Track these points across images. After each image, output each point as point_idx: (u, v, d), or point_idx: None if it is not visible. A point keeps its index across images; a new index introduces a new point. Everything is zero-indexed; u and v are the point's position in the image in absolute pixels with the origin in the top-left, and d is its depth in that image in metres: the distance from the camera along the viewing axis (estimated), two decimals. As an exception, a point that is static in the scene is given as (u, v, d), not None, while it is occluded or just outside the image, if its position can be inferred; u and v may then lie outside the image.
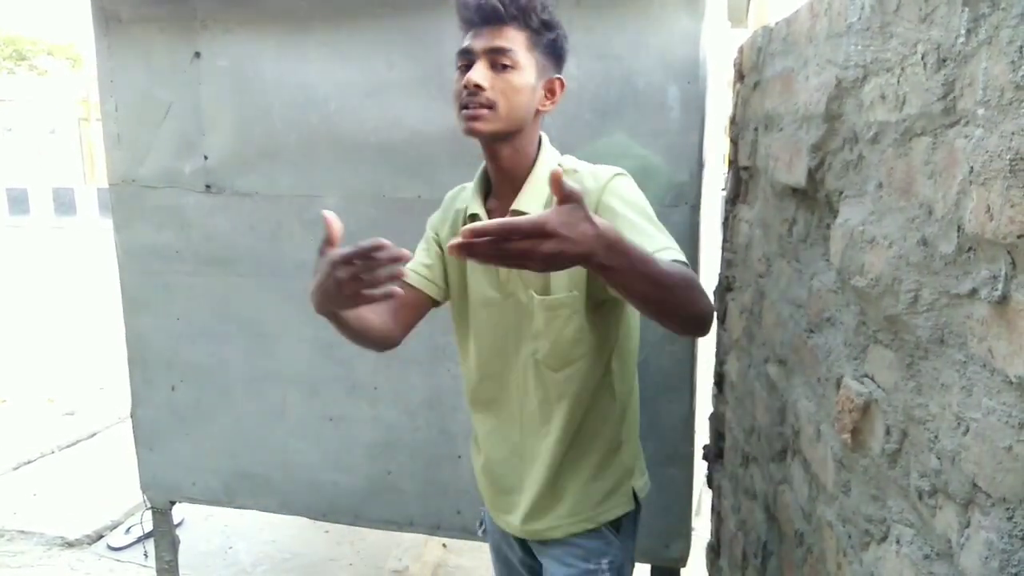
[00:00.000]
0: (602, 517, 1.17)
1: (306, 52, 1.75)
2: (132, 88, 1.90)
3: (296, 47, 1.75)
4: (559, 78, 1.07)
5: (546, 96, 1.06)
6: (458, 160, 1.61)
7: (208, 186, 1.89)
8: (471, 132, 1.02)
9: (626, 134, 1.59)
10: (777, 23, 1.23)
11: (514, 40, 1.01)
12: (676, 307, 0.86)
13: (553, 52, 1.06)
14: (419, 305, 1.15)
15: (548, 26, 1.04)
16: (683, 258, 0.95)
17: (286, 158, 1.82)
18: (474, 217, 1.10)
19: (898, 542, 0.71)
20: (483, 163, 1.13)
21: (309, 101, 1.77)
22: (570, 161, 1.12)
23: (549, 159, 1.10)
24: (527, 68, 1.02)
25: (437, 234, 1.18)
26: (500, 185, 1.11)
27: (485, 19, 1.01)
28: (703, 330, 0.91)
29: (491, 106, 1.00)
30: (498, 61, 1.00)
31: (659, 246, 0.95)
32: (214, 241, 1.91)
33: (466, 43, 1.02)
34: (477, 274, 1.13)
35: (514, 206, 1.07)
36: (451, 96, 1.05)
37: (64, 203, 15.40)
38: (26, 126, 19.10)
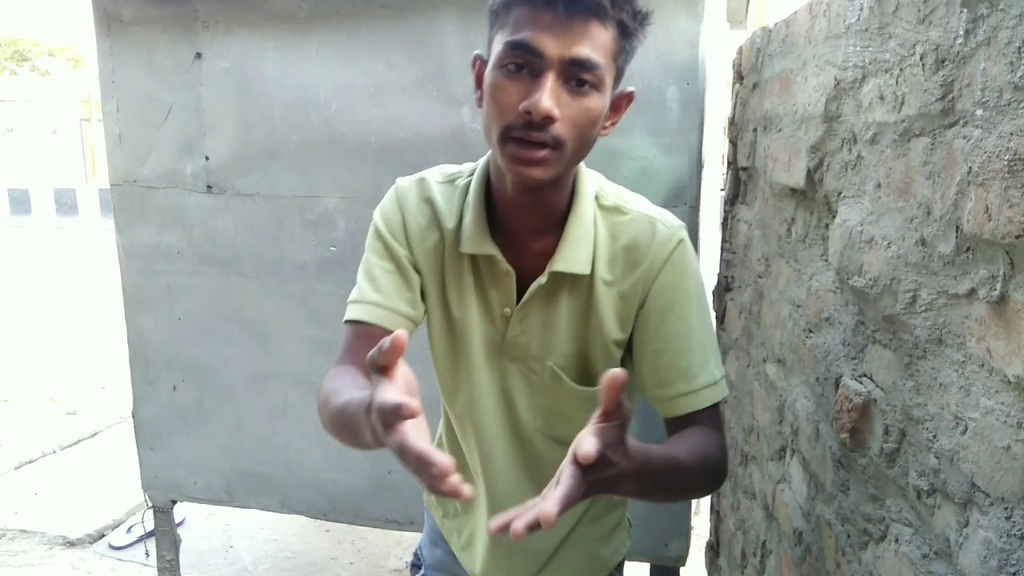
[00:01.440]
0: (612, 561, 1.05)
1: (307, 53, 1.75)
2: (133, 89, 1.90)
3: (297, 48, 1.76)
4: (631, 91, 0.81)
5: (610, 116, 0.79)
6: (458, 161, 1.61)
7: (209, 187, 1.90)
8: (525, 180, 0.74)
9: (625, 135, 1.59)
10: (776, 24, 1.23)
11: (600, 46, 0.71)
12: (686, 494, 0.86)
13: (630, 59, 0.77)
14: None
15: (641, 22, 0.75)
16: (720, 393, 0.81)
17: (287, 159, 1.82)
18: (490, 259, 0.84)
19: (897, 541, 0.71)
20: (479, 173, 0.86)
21: (310, 102, 1.77)
22: (611, 189, 0.87)
23: (588, 190, 0.84)
24: (607, 86, 0.74)
25: (412, 253, 0.88)
26: (516, 218, 0.83)
27: (568, 5, 0.68)
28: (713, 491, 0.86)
29: (558, 146, 0.72)
30: (577, 76, 0.71)
31: (699, 379, 0.81)
32: (215, 241, 1.92)
33: (530, 37, 0.69)
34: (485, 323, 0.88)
35: (555, 267, 0.82)
36: (472, 102, 0.87)
37: (66, 204, 15.41)
38: (28, 127, 19.12)
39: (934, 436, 0.64)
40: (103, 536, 2.72)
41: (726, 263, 1.65)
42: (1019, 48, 0.51)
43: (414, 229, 0.88)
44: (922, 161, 0.66)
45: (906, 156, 0.70)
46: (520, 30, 0.70)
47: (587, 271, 0.83)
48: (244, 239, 1.89)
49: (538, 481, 0.89)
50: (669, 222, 0.86)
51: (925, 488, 0.65)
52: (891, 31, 0.73)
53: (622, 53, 0.75)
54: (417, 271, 0.88)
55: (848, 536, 0.85)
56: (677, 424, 0.84)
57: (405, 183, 0.91)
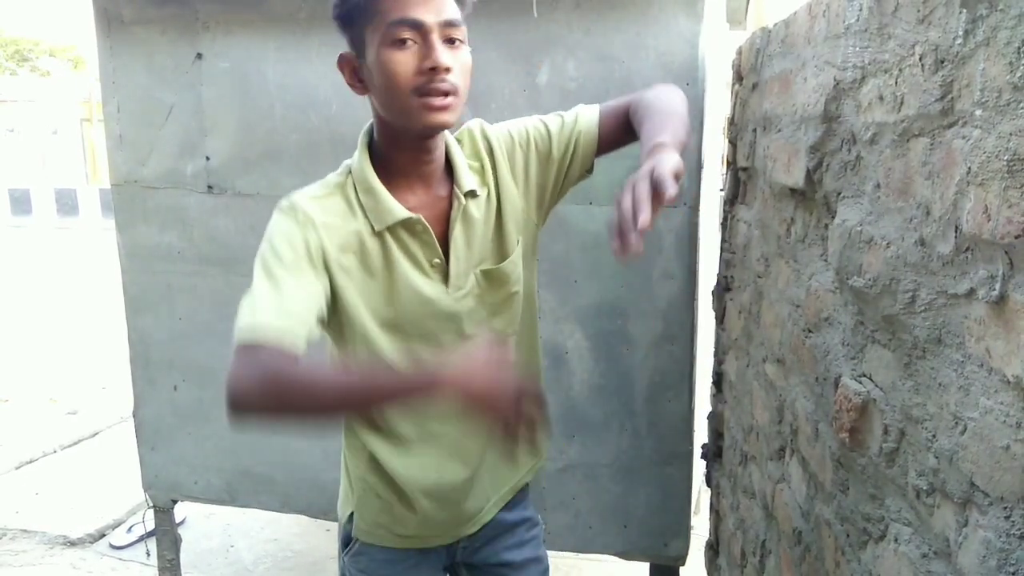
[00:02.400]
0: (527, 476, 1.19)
1: (307, 53, 1.75)
2: (134, 89, 1.90)
3: (297, 48, 1.76)
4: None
5: None
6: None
7: (210, 187, 1.90)
8: (442, 126, 0.89)
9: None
10: (775, 24, 1.23)
11: (456, 11, 0.88)
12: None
13: (467, 17, 0.92)
14: None
15: None
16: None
17: (288, 159, 1.82)
18: (407, 223, 0.95)
19: (896, 541, 0.72)
20: (359, 165, 0.97)
21: (310, 102, 1.77)
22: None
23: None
24: (466, 40, 0.90)
25: (325, 255, 0.94)
26: (407, 175, 0.96)
27: None
28: None
29: (456, 92, 0.87)
30: (451, 36, 0.87)
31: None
32: (216, 241, 1.92)
33: (409, 13, 0.84)
34: (415, 281, 0.97)
35: (465, 188, 0.97)
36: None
37: (67, 204, 15.42)
38: (28, 127, 19.13)
39: (933, 436, 0.64)
40: (104, 536, 2.72)
41: (726, 263, 1.65)
42: (1018, 48, 0.51)
43: (326, 233, 0.95)
44: (921, 161, 0.66)
45: (905, 156, 0.70)
46: (397, 11, 0.84)
47: (478, 188, 0.99)
48: (244, 239, 1.89)
49: None
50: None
51: (924, 488, 0.65)
52: (890, 31, 0.73)
53: (464, 12, 0.90)
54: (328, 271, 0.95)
55: (847, 536, 0.85)
56: (613, 120, 1.04)
57: (283, 212, 1.00)
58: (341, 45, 0.97)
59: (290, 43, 1.76)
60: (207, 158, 1.89)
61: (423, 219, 0.95)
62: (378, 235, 0.95)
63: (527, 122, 1.05)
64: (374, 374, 0.87)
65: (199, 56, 1.84)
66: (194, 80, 1.85)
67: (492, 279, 1.02)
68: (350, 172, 1.00)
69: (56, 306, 6.73)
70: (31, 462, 3.36)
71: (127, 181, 1.96)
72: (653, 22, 1.54)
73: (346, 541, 1.16)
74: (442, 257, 0.98)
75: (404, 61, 0.85)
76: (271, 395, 0.83)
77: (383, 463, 1.05)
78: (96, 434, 3.69)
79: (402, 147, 0.95)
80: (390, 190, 0.95)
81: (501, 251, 1.03)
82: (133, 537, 2.66)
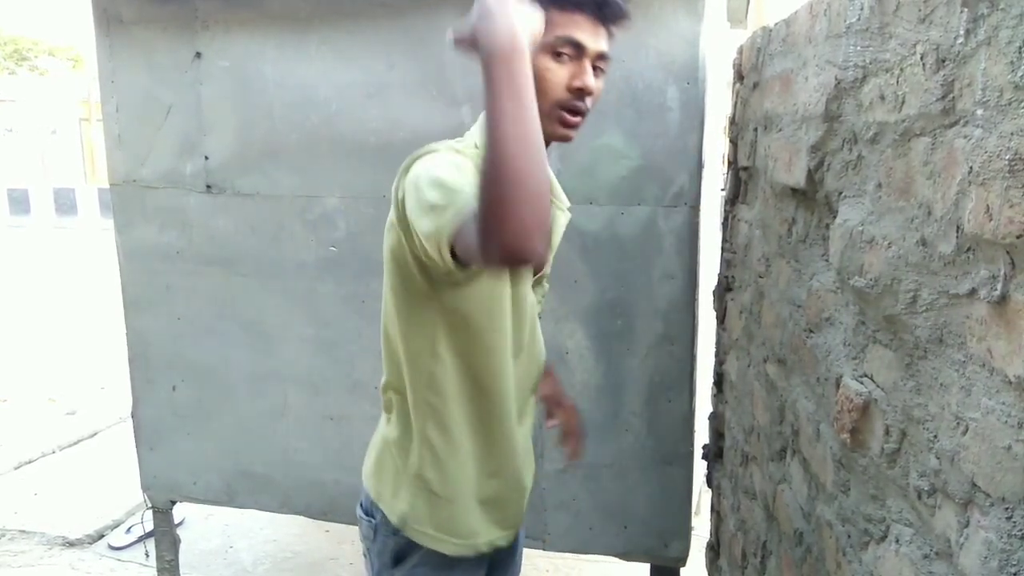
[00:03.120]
0: None
1: (307, 53, 1.75)
2: (133, 89, 1.90)
3: (297, 48, 1.76)
4: None
5: None
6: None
7: (209, 186, 1.89)
8: (565, 139, 0.97)
9: (626, 135, 1.59)
10: (776, 24, 1.23)
11: (609, 46, 0.96)
12: None
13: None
14: None
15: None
16: None
17: (287, 159, 1.82)
18: None
19: (897, 541, 0.71)
20: (477, 126, 0.99)
21: (310, 102, 1.77)
22: None
23: None
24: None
25: None
26: None
27: (605, 18, 0.93)
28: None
29: (586, 114, 0.96)
30: (600, 66, 0.95)
31: None
32: (215, 241, 1.91)
33: (579, 35, 0.92)
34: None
35: (567, 204, 1.06)
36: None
37: (65, 203, 15.41)
38: (27, 126, 19.11)
39: (935, 436, 0.64)
40: (103, 536, 2.72)
41: (726, 263, 1.65)
42: (1019, 48, 0.51)
43: None
44: (923, 161, 0.66)
45: (907, 156, 0.70)
46: (569, 29, 0.92)
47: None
48: (244, 239, 1.89)
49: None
50: None
51: (926, 488, 0.65)
52: (891, 31, 0.72)
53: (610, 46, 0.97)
54: None
55: (849, 536, 0.85)
56: None
57: (454, 150, 0.94)
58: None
59: (289, 42, 1.76)
60: (206, 158, 1.88)
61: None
62: None
63: None
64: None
65: (198, 55, 1.84)
66: (193, 79, 1.85)
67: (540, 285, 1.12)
68: (476, 146, 0.97)
69: (55, 306, 6.72)
70: (30, 462, 3.35)
71: (126, 181, 1.96)
72: (654, 21, 1.54)
73: (398, 556, 1.06)
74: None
75: (558, 73, 0.93)
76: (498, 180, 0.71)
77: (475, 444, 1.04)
78: (95, 434, 3.69)
79: None
80: None
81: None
82: (132, 538, 2.65)
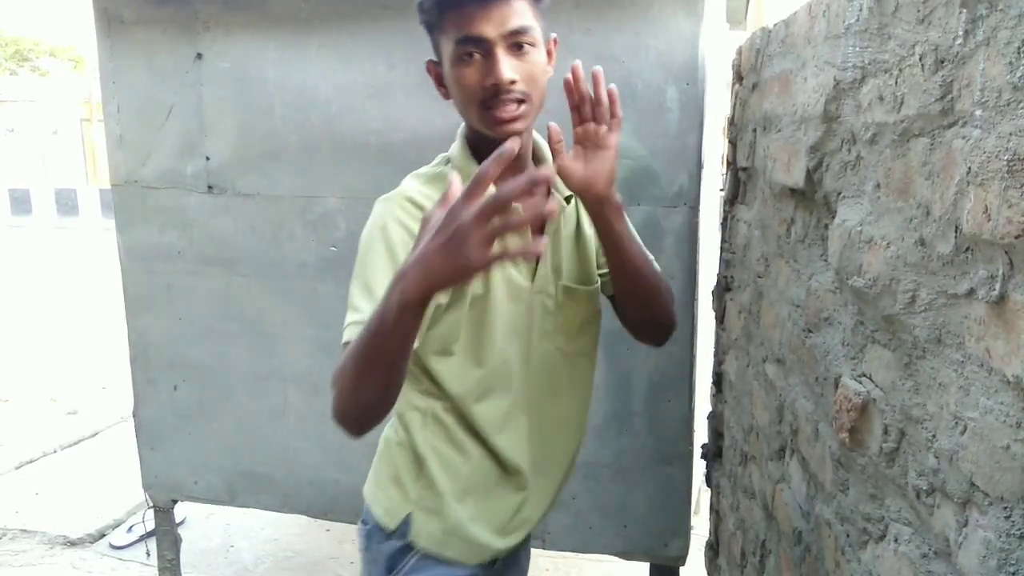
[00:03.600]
0: None
1: (307, 53, 1.75)
2: (134, 89, 1.91)
3: (297, 49, 1.76)
4: (554, 36, 0.97)
5: (548, 60, 0.95)
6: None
7: (210, 187, 1.90)
8: (511, 135, 0.88)
9: (625, 135, 1.59)
10: (775, 24, 1.23)
11: (525, 13, 0.88)
12: (657, 302, 1.02)
13: (546, 12, 0.94)
14: None
15: None
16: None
17: (287, 159, 1.82)
18: (517, 212, 0.95)
19: (896, 541, 0.72)
20: (458, 155, 0.99)
21: (310, 102, 1.77)
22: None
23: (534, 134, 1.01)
24: (540, 40, 0.91)
25: None
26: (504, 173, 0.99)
27: None
28: (666, 338, 1.08)
29: (526, 99, 0.89)
30: (517, 42, 0.87)
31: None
32: (216, 241, 1.92)
33: (471, 30, 0.86)
34: (508, 268, 0.99)
35: (565, 193, 1.01)
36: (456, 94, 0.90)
37: (66, 204, 15.42)
38: (28, 127, 19.13)
39: (933, 436, 0.64)
40: (104, 536, 2.72)
41: (726, 263, 1.65)
42: (1018, 48, 0.51)
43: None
44: (921, 161, 0.66)
45: (905, 156, 0.70)
46: (462, 28, 0.87)
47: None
48: (244, 239, 1.89)
49: (564, 404, 1.08)
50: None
51: (924, 488, 0.65)
52: (890, 31, 0.73)
53: (538, 9, 0.91)
54: None
55: (847, 536, 0.85)
56: None
57: (394, 201, 0.97)
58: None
59: (290, 43, 1.76)
60: (207, 158, 1.89)
61: (519, 209, 0.93)
62: None
63: None
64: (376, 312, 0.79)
65: (199, 56, 1.84)
66: (194, 80, 1.85)
67: (571, 298, 1.04)
68: (448, 162, 1.01)
69: (56, 306, 6.73)
70: (31, 462, 3.36)
71: (127, 181, 1.96)
72: (653, 22, 1.54)
73: (393, 562, 1.04)
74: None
75: (470, 76, 0.89)
76: (340, 377, 0.83)
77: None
78: (96, 434, 3.69)
79: (489, 146, 0.94)
80: None
81: (582, 274, 1.05)
82: (133, 537, 2.66)
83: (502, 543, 1.06)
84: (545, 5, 0.93)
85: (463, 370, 1.00)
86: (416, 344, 0.85)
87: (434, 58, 0.96)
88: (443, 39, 0.91)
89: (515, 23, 0.87)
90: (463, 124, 1.01)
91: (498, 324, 0.98)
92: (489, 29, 0.86)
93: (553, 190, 1.01)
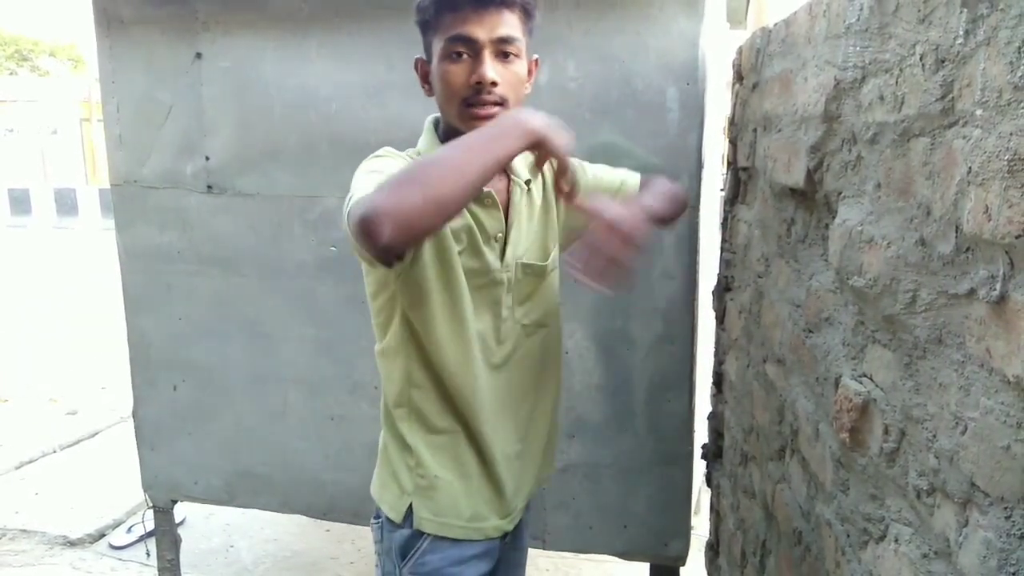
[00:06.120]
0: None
1: (307, 53, 1.75)
2: (134, 89, 1.90)
3: (297, 48, 1.76)
4: (536, 58, 1.05)
5: (527, 78, 1.02)
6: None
7: (209, 187, 1.90)
8: None
9: (625, 135, 1.59)
10: (776, 24, 1.23)
11: (515, 26, 0.96)
12: (675, 215, 1.15)
13: (534, 32, 1.02)
14: None
15: (534, 8, 1.00)
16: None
17: (287, 159, 1.82)
18: (489, 196, 1.02)
19: (896, 541, 0.72)
20: (429, 144, 1.05)
21: (310, 102, 1.77)
22: None
23: None
24: (524, 55, 0.99)
25: None
26: None
27: (485, 3, 0.93)
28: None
29: (502, 103, 0.96)
30: (504, 51, 0.95)
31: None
32: (215, 241, 1.92)
33: (464, 30, 0.93)
34: (481, 248, 1.03)
35: (523, 178, 1.06)
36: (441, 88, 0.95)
37: (66, 204, 15.42)
38: (28, 127, 19.12)
39: (934, 436, 0.64)
40: (103, 536, 2.72)
41: (726, 263, 1.65)
42: (1019, 48, 0.51)
43: None
44: (922, 161, 0.66)
45: (906, 156, 0.70)
46: (455, 27, 0.94)
47: (533, 177, 1.09)
48: (244, 239, 1.89)
49: (535, 379, 1.13)
50: None
51: (925, 488, 0.65)
52: (891, 31, 0.73)
53: (528, 28, 0.99)
54: None
55: (848, 536, 0.85)
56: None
57: (392, 153, 1.02)
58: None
59: (290, 43, 1.76)
60: (207, 158, 1.88)
61: (493, 194, 1.01)
62: None
63: (585, 164, 1.18)
64: (473, 134, 0.86)
65: (198, 56, 1.84)
66: (194, 80, 1.85)
67: (528, 273, 1.09)
68: (419, 153, 1.06)
69: (56, 306, 6.72)
70: (31, 462, 3.35)
71: (127, 181, 1.96)
72: (653, 22, 1.54)
73: (405, 549, 1.07)
74: (504, 232, 1.05)
75: (456, 73, 0.96)
76: (407, 176, 0.79)
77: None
78: (96, 434, 3.69)
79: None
80: None
81: (540, 251, 1.11)
82: (133, 537, 2.66)
83: (501, 516, 1.10)
84: (534, 25, 1.01)
85: (442, 348, 1.03)
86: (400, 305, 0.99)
87: (424, 57, 1.03)
88: (435, 38, 0.97)
89: (505, 31, 0.95)
90: (429, 119, 1.08)
91: (472, 301, 1.04)
92: (481, 32, 0.93)
93: (512, 175, 1.06)
